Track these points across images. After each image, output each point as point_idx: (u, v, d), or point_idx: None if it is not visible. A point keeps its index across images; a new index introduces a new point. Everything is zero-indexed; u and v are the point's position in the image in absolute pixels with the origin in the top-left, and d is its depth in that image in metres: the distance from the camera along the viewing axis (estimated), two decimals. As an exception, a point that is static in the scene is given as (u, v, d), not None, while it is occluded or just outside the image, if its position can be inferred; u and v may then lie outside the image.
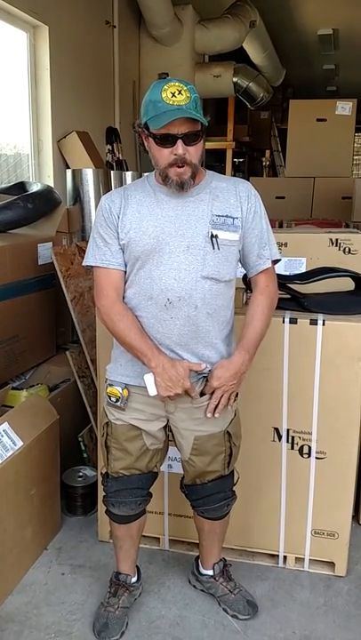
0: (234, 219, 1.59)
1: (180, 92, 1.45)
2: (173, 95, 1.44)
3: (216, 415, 1.65)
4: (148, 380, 1.59)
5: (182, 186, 1.53)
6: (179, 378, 1.56)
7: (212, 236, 1.56)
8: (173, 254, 1.56)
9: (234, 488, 1.84)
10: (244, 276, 1.98)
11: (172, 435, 1.78)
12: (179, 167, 1.49)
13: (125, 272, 1.64)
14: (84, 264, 1.67)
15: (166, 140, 1.48)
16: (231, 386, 1.63)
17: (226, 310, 1.67)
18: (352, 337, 1.92)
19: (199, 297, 1.58)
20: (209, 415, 1.65)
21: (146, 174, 1.70)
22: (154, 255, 1.57)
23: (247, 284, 2.03)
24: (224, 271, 1.61)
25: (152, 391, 1.59)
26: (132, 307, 1.63)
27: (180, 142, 1.47)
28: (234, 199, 1.61)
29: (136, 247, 1.58)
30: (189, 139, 1.48)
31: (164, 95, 1.44)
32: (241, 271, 1.81)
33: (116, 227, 1.60)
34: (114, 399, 1.69)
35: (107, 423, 1.75)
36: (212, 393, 1.63)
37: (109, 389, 1.70)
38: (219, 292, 1.62)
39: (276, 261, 1.71)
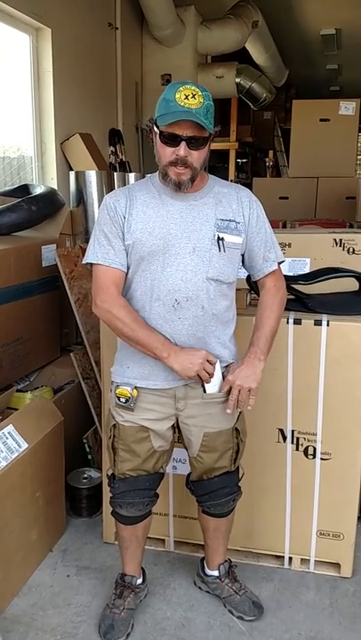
0: (237, 223, 1.62)
1: (193, 96, 1.46)
2: (187, 98, 1.46)
3: (237, 410, 1.69)
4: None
5: (180, 186, 1.54)
6: (192, 355, 1.57)
7: (218, 238, 1.59)
8: (180, 256, 1.58)
9: (239, 484, 1.85)
10: (248, 277, 1.98)
11: (180, 433, 1.78)
12: (179, 167, 1.51)
13: (127, 273, 1.64)
14: (84, 261, 1.65)
15: (171, 140, 1.49)
16: (246, 380, 1.63)
17: (229, 311, 1.70)
18: (357, 337, 1.92)
19: (205, 298, 1.60)
20: (228, 411, 1.66)
21: (149, 175, 1.70)
22: (160, 256, 1.58)
23: (251, 285, 2.03)
24: (228, 273, 1.63)
25: (210, 389, 1.63)
26: (139, 308, 1.63)
27: (183, 144, 1.48)
28: (236, 205, 1.64)
29: (142, 248, 1.58)
30: (194, 143, 1.49)
31: (177, 96, 1.46)
32: (244, 272, 1.81)
33: (121, 226, 1.60)
34: (123, 400, 1.69)
35: (114, 425, 1.75)
36: (229, 390, 1.65)
37: (118, 390, 1.69)
38: (223, 292, 1.65)
39: (280, 262, 1.74)
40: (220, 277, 1.61)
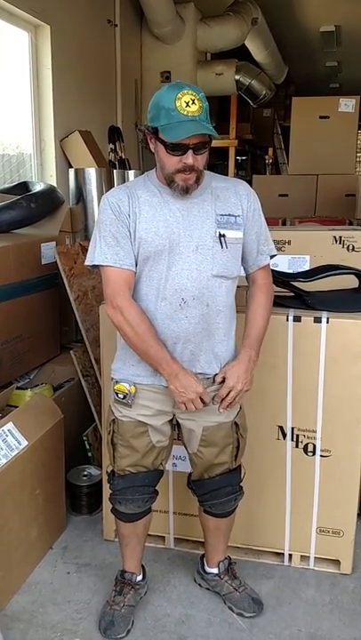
0: (236, 217, 1.62)
1: (193, 102, 1.46)
2: (187, 105, 1.45)
3: (226, 410, 1.70)
4: None
5: (187, 190, 1.55)
6: (190, 386, 1.59)
7: (220, 235, 1.59)
8: (184, 255, 1.58)
9: (241, 484, 1.85)
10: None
11: (179, 430, 1.78)
12: (186, 173, 1.51)
13: (135, 273, 1.62)
14: (90, 263, 1.61)
15: (177, 149, 1.49)
16: (245, 383, 1.66)
17: (232, 307, 1.71)
18: (356, 334, 1.92)
19: (210, 295, 1.61)
20: (221, 411, 1.69)
21: (144, 173, 1.69)
22: (165, 256, 1.58)
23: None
24: (232, 268, 1.64)
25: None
26: (145, 308, 1.62)
27: (190, 152, 1.49)
28: (234, 198, 1.64)
29: (148, 247, 1.57)
30: (199, 148, 1.50)
31: (177, 104, 1.45)
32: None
33: (127, 225, 1.58)
34: (121, 396, 1.69)
35: (113, 420, 1.75)
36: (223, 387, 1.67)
37: (117, 386, 1.70)
38: (228, 289, 1.65)
39: (273, 256, 1.76)
40: (224, 273, 1.62)
